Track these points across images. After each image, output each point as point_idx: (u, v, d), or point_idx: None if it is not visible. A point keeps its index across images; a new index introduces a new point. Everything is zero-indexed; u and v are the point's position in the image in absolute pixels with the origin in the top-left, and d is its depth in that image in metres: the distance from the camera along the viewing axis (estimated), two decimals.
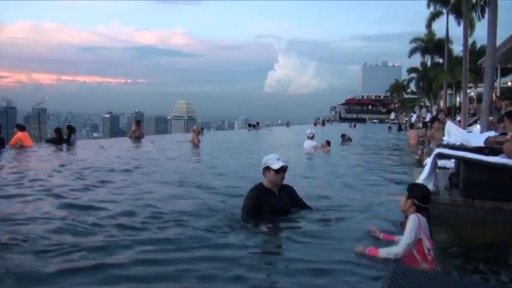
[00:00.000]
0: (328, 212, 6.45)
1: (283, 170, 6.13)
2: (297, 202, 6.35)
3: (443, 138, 8.89)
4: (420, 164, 10.77)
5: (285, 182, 6.28)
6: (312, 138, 17.67)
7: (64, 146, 17.41)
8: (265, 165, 6.14)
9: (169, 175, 10.52)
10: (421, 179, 6.94)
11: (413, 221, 4.51)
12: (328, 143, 17.79)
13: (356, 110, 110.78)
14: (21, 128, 17.04)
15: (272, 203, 6.03)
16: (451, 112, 39.36)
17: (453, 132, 8.40)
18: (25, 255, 4.65)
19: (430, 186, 6.88)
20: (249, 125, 43.09)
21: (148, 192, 8.21)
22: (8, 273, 4.17)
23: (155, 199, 7.52)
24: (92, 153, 15.71)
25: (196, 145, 19.38)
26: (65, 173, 10.40)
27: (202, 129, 30.06)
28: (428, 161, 7.39)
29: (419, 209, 4.64)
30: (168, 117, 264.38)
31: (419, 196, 4.70)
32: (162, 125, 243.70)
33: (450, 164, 8.98)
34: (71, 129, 19.01)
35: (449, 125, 8.94)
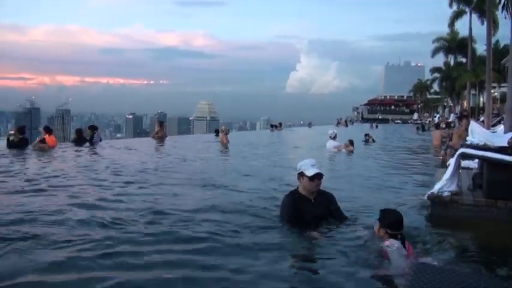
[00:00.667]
0: (359, 217, 6.27)
1: (318, 177, 5.78)
2: (334, 211, 5.97)
3: (467, 138, 8.83)
4: (443, 165, 10.69)
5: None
6: (334, 138, 17.68)
7: (86, 146, 17.67)
8: (299, 171, 5.88)
9: (198, 175, 10.55)
10: (444, 179, 6.91)
11: (396, 252, 4.41)
12: (351, 142, 17.75)
13: (379, 110, 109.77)
14: (49, 131, 17.18)
15: (308, 211, 5.72)
16: (475, 112, 38.91)
17: (477, 132, 8.32)
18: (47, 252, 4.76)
19: (453, 187, 6.86)
20: (271, 126, 43.07)
21: (175, 193, 8.22)
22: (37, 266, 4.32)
23: (182, 200, 7.56)
24: (116, 152, 15.91)
25: (225, 145, 19.56)
26: (88, 173, 10.55)
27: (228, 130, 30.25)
28: (451, 162, 7.35)
29: (392, 236, 4.56)
30: (190, 118, 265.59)
31: (387, 223, 4.64)
32: (185, 126, 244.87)
33: (474, 164, 8.91)
34: (94, 129, 19.26)
35: (473, 125, 8.87)
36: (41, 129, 17.43)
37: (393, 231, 4.58)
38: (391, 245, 4.44)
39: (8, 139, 16.14)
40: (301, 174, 5.85)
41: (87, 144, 17.98)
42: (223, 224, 5.90)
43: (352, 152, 17.05)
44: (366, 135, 23.13)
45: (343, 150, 17.11)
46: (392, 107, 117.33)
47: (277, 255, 4.83)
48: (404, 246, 4.54)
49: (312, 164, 5.87)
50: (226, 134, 21.06)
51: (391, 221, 4.64)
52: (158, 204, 7.08)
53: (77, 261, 4.47)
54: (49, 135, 16.65)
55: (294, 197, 5.88)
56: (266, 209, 6.64)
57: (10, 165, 11.56)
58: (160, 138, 22.30)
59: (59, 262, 4.45)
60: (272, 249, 5.01)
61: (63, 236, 5.20)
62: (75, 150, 16.12)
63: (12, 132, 16.05)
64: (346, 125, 54.47)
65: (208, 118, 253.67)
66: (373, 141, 22.81)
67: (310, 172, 5.75)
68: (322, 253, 5.00)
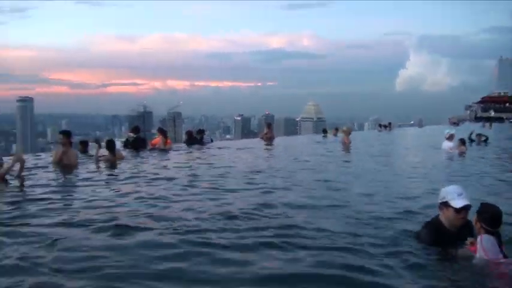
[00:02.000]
0: None
1: (465, 208, 4.89)
2: None
3: None
4: None
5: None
6: (449, 138, 16.79)
7: (196, 146, 18.36)
8: (443, 200, 5.02)
9: (316, 177, 10.52)
10: None
11: (486, 242, 4.33)
12: (463, 142, 16.81)
13: (493, 108, 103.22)
14: (163, 133, 17.93)
15: (449, 246, 4.88)
16: None
17: None
18: None
19: None
20: (380, 126, 41.96)
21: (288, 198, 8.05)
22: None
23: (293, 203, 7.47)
24: (226, 152, 16.27)
25: (347, 146, 19.30)
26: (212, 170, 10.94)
27: (337, 129, 29.95)
28: None
29: (488, 232, 4.40)
30: (297, 119, 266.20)
31: (483, 218, 4.49)
32: (292, 127, 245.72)
33: None
34: (201, 133, 20.19)
35: None
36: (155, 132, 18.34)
37: (488, 227, 4.44)
38: (483, 240, 4.35)
39: (126, 139, 17.09)
40: (445, 204, 5.00)
41: (197, 145, 18.70)
42: (359, 237, 5.50)
43: (464, 153, 16.12)
44: (478, 135, 21.63)
45: (456, 150, 16.23)
46: (507, 104, 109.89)
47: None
48: (500, 247, 4.38)
49: (459, 192, 4.98)
50: (349, 134, 20.69)
51: (487, 217, 4.49)
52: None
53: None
54: (164, 137, 17.42)
55: (435, 230, 5.07)
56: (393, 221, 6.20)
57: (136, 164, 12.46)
58: (269, 139, 22.56)
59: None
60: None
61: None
62: (186, 152, 16.78)
63: (132, 134, 16.98)
64: (457, 124, 51.61)
65: (315, 119, 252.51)
66: (486, 140, 21.34)
67: (457, 203, 4.89)
68: None
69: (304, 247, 5.06)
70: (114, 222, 5.90)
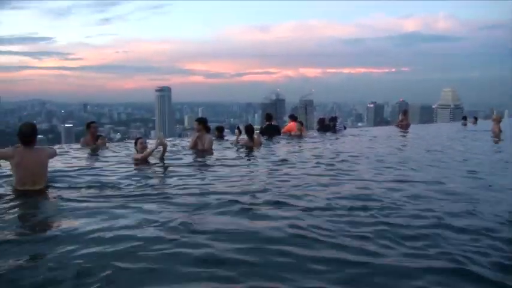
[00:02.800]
0: None
1: None
2: None
3: None
4: None
5: None
6: None
7: (329, 134, 18.35)
8: None
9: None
10: None
11: None
12: None
13: None
14: (293, 118, 18.23)
15: None
16: None
17: None
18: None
19: None
20: None
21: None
22: None
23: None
24: (358, 140, 15.91)
25: (497, 135, 18.00)
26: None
27: (475, 118, 28.28)
28: None
29: None
30: (433, 106, 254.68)
31: None
32: (427, 115, 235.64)
33: None
34: (335, 119, 20.02)
35: None
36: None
37: None
38: None
39: (261, 127, 17.46)
40: None
41: (330, 132, 18.60)
42: None
43: None
44: None
45: None
46: None
47: None
48: None
49: None
50: (499, 122, 19.26)
51: None
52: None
53: None
54: (293, 122, 17.61)
55: None
56: None
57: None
58: (405, 127, 21.86)
59: None
60: None
61: None
62: (320, 137, 16.65)
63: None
64: None
65: (451, 106, 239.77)
66: None
67: None
68: None
69: None
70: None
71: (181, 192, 6.83)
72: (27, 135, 6.78)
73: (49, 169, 7.29)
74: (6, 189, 6.89)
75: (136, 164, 9.49)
